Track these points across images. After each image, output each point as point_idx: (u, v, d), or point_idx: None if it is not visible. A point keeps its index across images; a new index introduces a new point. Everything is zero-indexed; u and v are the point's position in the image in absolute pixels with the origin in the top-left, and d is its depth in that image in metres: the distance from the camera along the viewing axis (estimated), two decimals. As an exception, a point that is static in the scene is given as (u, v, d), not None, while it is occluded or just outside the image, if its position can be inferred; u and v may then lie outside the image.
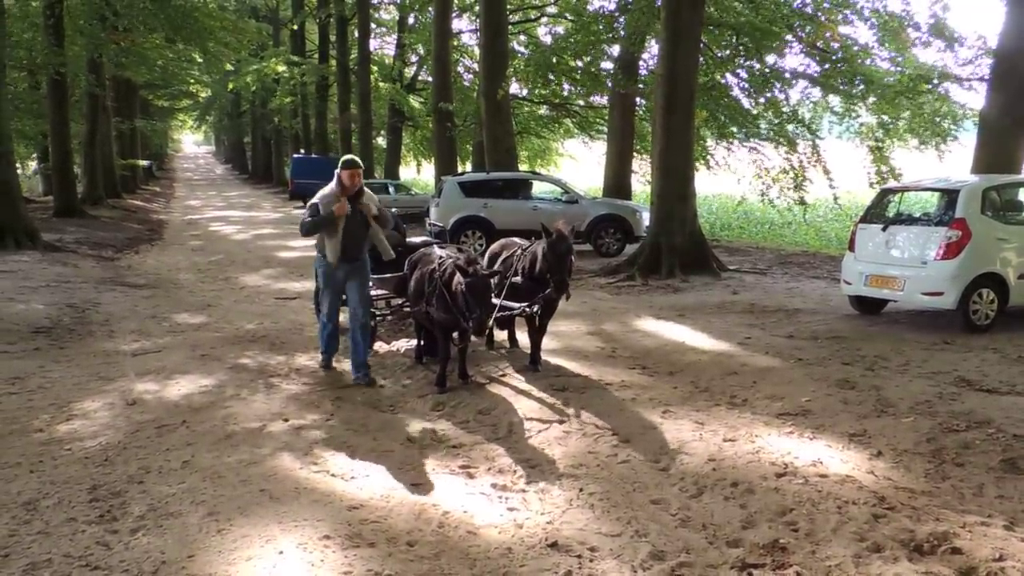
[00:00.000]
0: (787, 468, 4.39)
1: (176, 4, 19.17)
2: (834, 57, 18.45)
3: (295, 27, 36.84)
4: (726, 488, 4.17)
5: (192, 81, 41.75)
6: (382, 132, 35.72)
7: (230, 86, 38.56)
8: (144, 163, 41.08)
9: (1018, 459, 4.36)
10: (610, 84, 21.19)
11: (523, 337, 7.17)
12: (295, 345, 7.62)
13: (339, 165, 6.14)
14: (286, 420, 5.35)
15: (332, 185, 6.13)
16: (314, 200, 6.18)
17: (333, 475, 4.39)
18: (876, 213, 8.64)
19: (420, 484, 4.28)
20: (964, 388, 5.77)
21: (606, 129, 23.83)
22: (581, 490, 4.21)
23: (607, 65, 21.90)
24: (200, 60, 32.00)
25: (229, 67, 35.04)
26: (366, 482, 4.31)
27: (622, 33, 18.68)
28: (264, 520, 3.78)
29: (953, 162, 19.72)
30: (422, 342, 7.01)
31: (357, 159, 6.24)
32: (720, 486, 4.20)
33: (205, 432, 5.07)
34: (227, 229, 21.31)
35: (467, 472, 4.49)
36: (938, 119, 19.47)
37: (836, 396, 5.69)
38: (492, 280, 6.04)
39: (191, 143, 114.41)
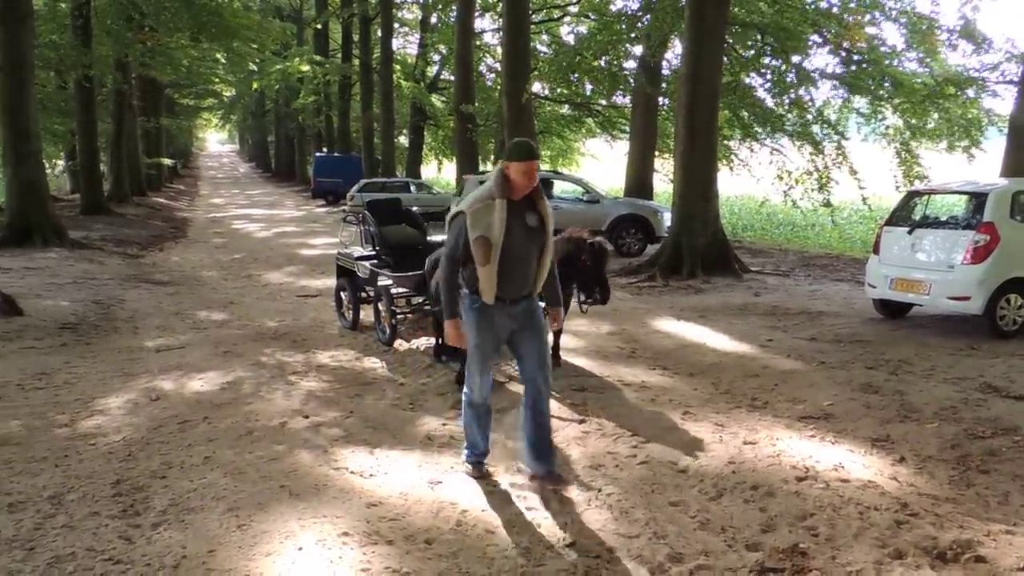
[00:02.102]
0: (808, 472, 4.34)
1: (202, 3, 19.37)
2: (860, 58, 18.27)
3: (318, 26, 37.11)
4: (746, 491, 4.14)
5: (217, 80, 42.17)
6: (404, 131, 35.87)
7: (254, 85, 38.97)
8: (169, 161, 41.56)
9: (1045, 467, 4.28)
10: (632, 83, 21.14)
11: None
12: (315, 342, 7.67)
13: (508, 153, 3.97)
14: (306, 417, 5.38)
15: (490, 185, 3.96)
16: (458, 208, 4.02)
17: (352, 472, 4.41)
18: (902, 215, 8.53)
19: (438, 482, 4.29)
20: (990, 394, 5.67)
21: (628, 128, 23.77)
22: (600, 491, 4.20)
23: (630, 64, 21.84)
24: (224, 60, 32.34)
25: (253, 67, 35.37)
26: (385, 480, 4.32)
27: (646, 33, 18.65)
28: (284, 516, 3.80)
29: (981, 165, 19.45)
30: (441, 341, 7.02)
31: (533, 144, 4.01)
32: (740, 489, 4.17)
33: (226, 428, 5.12)
34: (250, 227, 21.51)
35: (486, 471, 4.48)
36: (965, 123, 19.18)
37: (859, 400, 5.63)
38: None
39: (215, 142, 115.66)
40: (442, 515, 3.88)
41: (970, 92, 17.76)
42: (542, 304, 4.38)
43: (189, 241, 18.16)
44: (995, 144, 19.40)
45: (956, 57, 17.80)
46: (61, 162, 33.84)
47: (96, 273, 11.84)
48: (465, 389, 4.27)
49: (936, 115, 19.39)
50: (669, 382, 6.31)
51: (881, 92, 18.64)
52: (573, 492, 4.18)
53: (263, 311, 9.33)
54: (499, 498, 4.11)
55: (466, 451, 4.41)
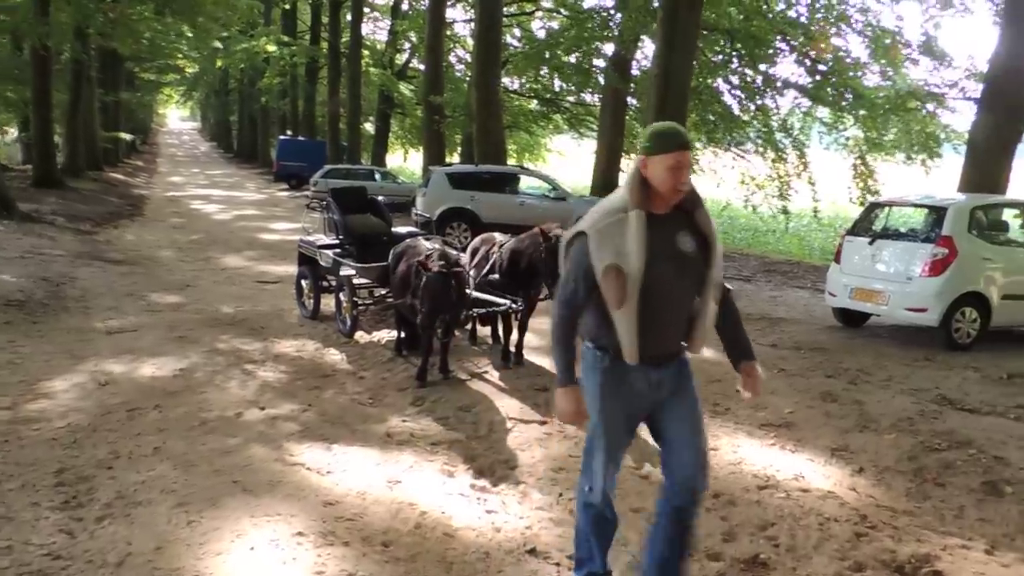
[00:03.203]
0: (769, 481, 4.35)
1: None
2: (825, 68, 18.55)
3: (287, 7, 36.44)
4: (707, 499, 4.10)
5: (180, 56, 41.15)
6: (370, 118, 35.45)
7: (218, 63, 38.13)
8: (127, 136, 40.47)
9: (999, 482, 4.35)
10: (602, 80, 21.18)
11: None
12: (274, 331, 7.49)
13: (646, 143, 2.70)
14: (262, 409, 5.24)
15: (621, 192, 2.75)
16: (577, 227, 2.77)
17: (308, 469, 4.29)
18: (864, 226, 8.65)
19: (397, 482, 4.19)
20: (945, 406, 5.77)
21: (596, 127, 23.82)
22: (561, 495, 4.14)
23: (600, 63, 21.89)
24: (189, 35, 31.55)
25: (218, 43, 34.55)
26: (342, 477, 4.22)
27: (616, 32, 18.69)
28: (236, 513, 3.67)
29: (937, 179, 19.92)
30: (402, 334, 6.91)
31: (682, 129, 2.76)
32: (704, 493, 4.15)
33: (178, 418, 4.95)
34: (209, 208, 21.03)
35: (446, 471, 4.41)
36: (924, 136, 19.61)
37: (818, 409, 5.67)
38: (461, 277, 5.95)
39: (176, 119, 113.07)
40: (401, 516, 3.80)
41: (929, 107, 18.16)
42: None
43: (145, 220, 17.67)
44: (949, 159, 19.92)
45: (918, 72, 18.15)
46: (13, 130, 32.67)
47: (46, 248, 11.43)
48: (581, 483, 3.00)
49: (895, 128, 19.79)
50: (632, 384, 6.28)
51: (842, 103, 18.96)
52: (534, 495, 4.12)
53: (220, 296, 9.09)
54: (459, 499, 4.04)
55: (575, 571, 3.13)
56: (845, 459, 4.72)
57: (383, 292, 7.53)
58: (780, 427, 5.29)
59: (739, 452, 4.79)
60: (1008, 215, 8.69)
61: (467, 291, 6.06)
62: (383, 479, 4.22)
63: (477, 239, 7.40)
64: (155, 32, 28.45)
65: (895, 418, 5.43)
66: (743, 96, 20.11)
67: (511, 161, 25.17)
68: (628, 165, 22.87)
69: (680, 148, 2.64)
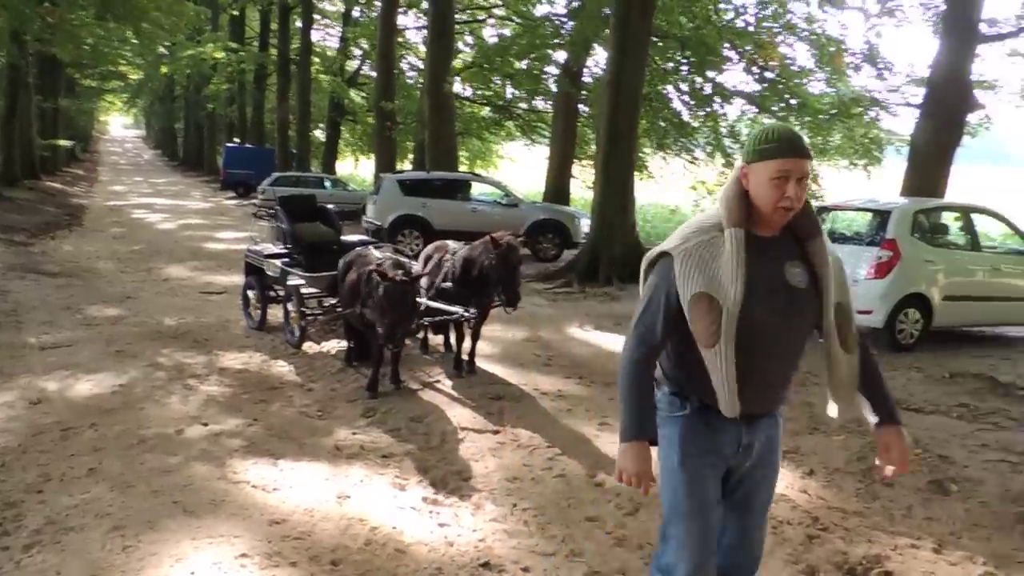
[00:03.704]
0: (722, 486, 4.34)
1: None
2: (772, 76, 18.93)
3: (235, 13, 35.80)
4: (653, 508, 4.09)
5: (124, 62, 40.09)
6: (320, 125, 35.01)
7: (163, 70, 37.24)
8: (67, 143, 39.24)
9: (944, 480, 4.42)
10: (555, 88, 21.26)
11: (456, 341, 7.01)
12: (219, 343, 7.27)
13: (750, 148, 2.19)
14: (205, 424, 5.05)
15: (716, 210, 2.26)
16: (663, 247, 2.27)
17: (254, 486, 4.14)
18: (810, 230, 8.77)
19: (347, 497, 4.07)
20: (892, 407, 5.85)
21: (548, 134, 23.90)
22: (515, 505, 4.08)
23: (552, 70, 21.99)
24: (134, 41, 30.76)
25: (163, 50, 33.77)
26: (289, 494, 4.08)
27: (568, 39, 18.80)
28: (176, 536, 3.52)
29: (879, 184, 20.47)
30: (352, 344, 6.77)
31: (795, 133, 2.19)
32: (656, 503, 4.09)
33: (115, 436, 4.74)
34: (152, 217, 20.47)
35: (397, 484, 4.30)
36: (867, 142, 20.15)
37: (770, 412, 5.71)
38: (418, 285, 5.87)
39: (119, 126, 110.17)
40: (350, 532, 3.68)
41: (872, 112, 18.67)
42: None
43: (84, 230, 17.10)
44: (890, 163, 20.51)
45: (861, 79, 18.63)
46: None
47: (-23, 262, 10.97)
48: (654, 569, 2.45)
49: (839, 134, 20.30)
50: (585, 391, 6.26)
51: (786, 112, 19.36)
52: (488, 506, 4.05)
53: (162, 307, 8.81)
54: (411, 513, 3.94)
55: None
56: (796, 461, 4.75)
57: (333, 302, 7.38)
58: (733, 431, 5.30)
59: (693, 457, 4.77)
60: (948, 218, 8.93)
61: (418, 300, 5.96)
62: (332, 494, 4.09)
63: (430, 246, 7.30)
64: (97, 38, 27.67)
65: (843, 419, 5.48)
66: (692, 103, 20.41)
67: (463, 168, 25.11)
68: (580, 171, 23.07)
69: (788, 155, 2.10)
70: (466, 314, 6.28)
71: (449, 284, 6.48)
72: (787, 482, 4.42)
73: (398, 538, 3.66)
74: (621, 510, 4.05)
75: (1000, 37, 12.96)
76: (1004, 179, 37.44)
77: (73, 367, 6.21)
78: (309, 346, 7.25)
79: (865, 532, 3.81)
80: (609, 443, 4.99)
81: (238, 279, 9.03)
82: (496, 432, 5.17)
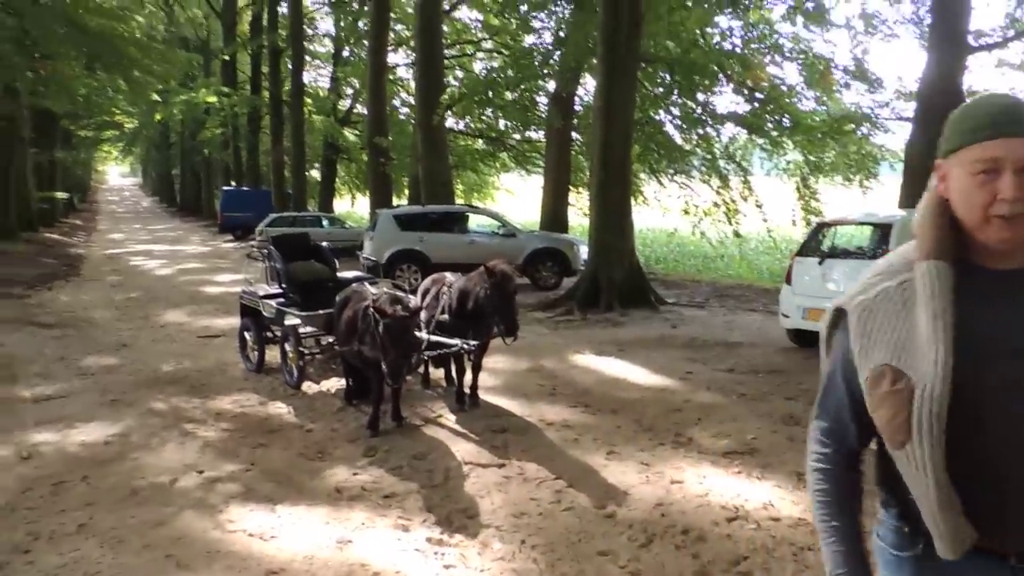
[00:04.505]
0: (738, 512, 4.18)
1: (95, 31, 18.43)
2: (762, 96, 19.00)
3: (226, 58, 36.14)
4: (676, 536, 3.93)
5: (117, 112, 40.41)
6: (316, 164, 35.15)
7: (157, 116, 37.52)
8: (63, 195, 39.38)
9: (969, 497, 4.24)
10: (545, 118, 21.33)
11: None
12: (216, 387, 7.13)
13: (951, 132, 1.42)
14: (200, 472, 4.90)
15: (915, 243, 1.44)
16: (838, 302, 1.53)
17: (251, 535, 3.98)
18: (812, 246, 8.69)
19: (348, 541, 3.91)
20: (907, 422, 5.69)
21: (542, 163, 23.94)
22: (523, 542, 3.91)
23: (543, 100, 22.10)
24: (125, 90, 31.03)
25: (156, 96, 34.04)
26: (288, 541, 3.92)
27: (557, 68, 18.90)
28: (168, 591, 3.36)
29: (876, 198, 20.45)
30: (351, 383, 6.63)
31: (1015, 104, 1.36)
32: (670, 533, 3.96)
33: (108, 489, 4.59)
34: (150, 264, 20.41)
35: (400, 525, 4.14)
36: (861, 157, 20.16)
37: (782, 433, 5.55)
38: (418, 319, 5.75)
39: (116, 174, 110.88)
40: (351, 580, 3.52)
41: (864, 129, 18.69)
42: None
43: (82, 280, 17.01)
44: (886, 178, 20.51)
45: (851, 96, 18.75)
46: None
47: (-28, 316, 10.85)
48: None
49: (833, 151, 20.31)
50: (591, 420, 6.10)
51: (778, 132, 19.39)
52: (495, 545, 3.88)
53: (159, 354, 8.68)
54: (415, 556, 3.77)
55: None
56: None
57: (330, 340, 7.25)
58: (744, 454, 5.15)
59: (705, 483, 4.62)
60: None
61: (417, 334, 5.84)
62: (332, 540, 3.93)
63: (427, 280, 7.19)
64: (90, 88, 27.90)
65: (859, 437, 5.33)
66: (684, 126, 20.46)
67: (460, 201, 25.08)
68: (576, 199, 23.07)
69: (999, 133, 1.36)
70: (466, 346, 6.15)
71: (446, 317, 6.36)
72: (804, 505, 4.26)
73: (402, 583, 3.50)
74: (634, 542, 3.89)
75: (988, 47, 13.02)
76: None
77: (67, 419, 6.06)
78: (308, 386, 7.11)
79: (890, 555, 3.64)
80: (618, 472, 4.84)
81: (236, 322, 8.91)
82: (501, 466, 5.01)
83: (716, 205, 20.31)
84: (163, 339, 9.74)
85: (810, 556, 3.64)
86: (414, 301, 6.41)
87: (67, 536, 3.94)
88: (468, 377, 6.53)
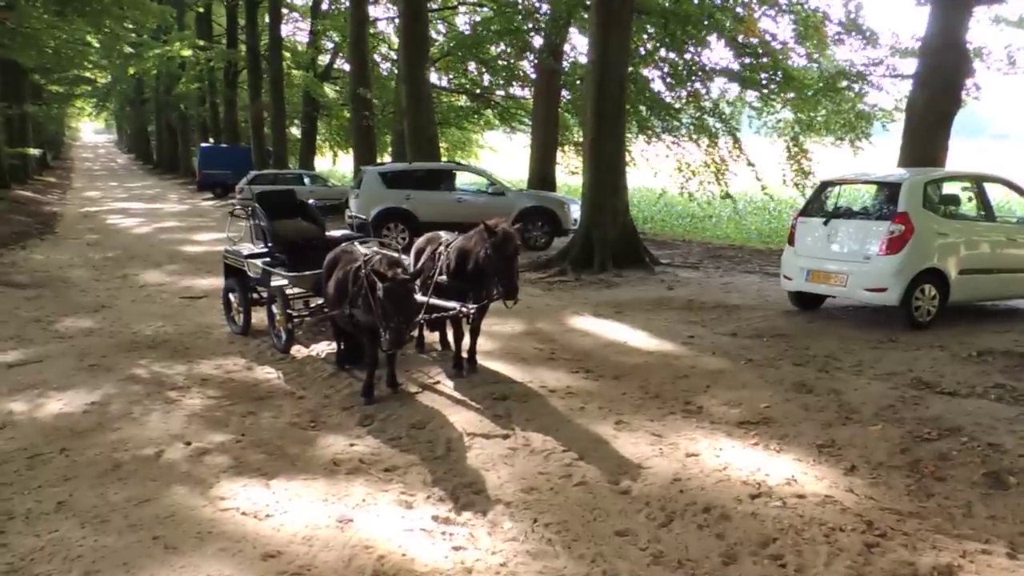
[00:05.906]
0: (760, 488, 3.96)
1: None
2: (754, 51, 18.55)
3: (200, 10, 34.94)
4: (698, 514, 3.71)
5: (90, 66, 39.05)
6: (296, 121, 34.29)
7: (131, 71, 36.35)
8: (36, 151, 38.23)
9: (1000, 472, 4.06)
10: (533, 73, 20.81)
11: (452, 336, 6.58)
12: (200, 351, 6.81)
13: None
14: (187, 443, 4.61)
15: None
16: None
17: (244, 513, 3.71)
18: (816, 206, 8.43)
19: (349, 520, 3.66)
20: (924, 390, 5.50)
21: (528, 120, 23.43)
22: (535, 520, 3.68)
23: (528, 56, 21.50)
24: (97, 42, 29.87)
25: (129, 50, 32.85)
26: (284, 520, 3.66)
27: (543, 23, 18.36)
28: (156, 579, 3.09)
29: (868, 157, 20.21)
30: (342, 346, 6.34)
31: None
32: (691, 511, 3.74)
33: (88, 462, 4.29)
34: (128, 222, 19.82)
35: (403, 502, 3.89)
36: (854, 115, 19.84)
37: (795, 401, 5.34)
38: (415, 282, 5.45)
39: (91, 131, 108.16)
40: (355, 564, 3.27)
41: (856, 87, 18.32)
42: None
43: (57, 238, 16.45)
44: (879, 139, 20.24)
45: (845, 52, 18.30)
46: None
47: (-60, 275, 10.39)
48: None
49: (825, 110, 19.97)
50: (595, 386, 5.86)
51: (772, 86, 19.01)
52: (505, 524, 3.64)
53: (139, 316, 8.32)
54: (420, 536, 3.53)
55: None
56: (835, 456, 4.38)
57: (320, 302, 6.94)
58: (759, 424, 4.94)
59: (722, 456, 4.40)
60: (955, 188, 8.59)
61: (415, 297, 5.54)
62: (332, 518, 3.68)
63: (422, 239, 6.86)
64: (59, 41, 26.80)
65: (876, 407, 5.14)
66: (673, 83, 20.01)
67: (444, 158, 24.54)
68: (563, 158, 22.63)
69: None
70: (465, 309, 5.87)
71: (444, 278, 6.05)
72: (829, 481, 4.06)
73: (409, 567, 3.26)
74: (654, 521, 3.67)
75: (990, 0, 12.68)
76: (1003, 154, 36.76)
77: (42, 385, 5.73)
78: (297, 350, 6.81)
79: (928, 536, 3.44)
80: (629, 444, 4.61)
81: (218, 282, 8.56)
82: (506, 437, 4.77)
83: (706, 165, 20.01)
84: (143, 300, 9.36)
85: (843, 538, 3.43)
86: (406, 261, 6.10)
87: (44, 515, 3.65)
88: (466, 341, 6.26)
